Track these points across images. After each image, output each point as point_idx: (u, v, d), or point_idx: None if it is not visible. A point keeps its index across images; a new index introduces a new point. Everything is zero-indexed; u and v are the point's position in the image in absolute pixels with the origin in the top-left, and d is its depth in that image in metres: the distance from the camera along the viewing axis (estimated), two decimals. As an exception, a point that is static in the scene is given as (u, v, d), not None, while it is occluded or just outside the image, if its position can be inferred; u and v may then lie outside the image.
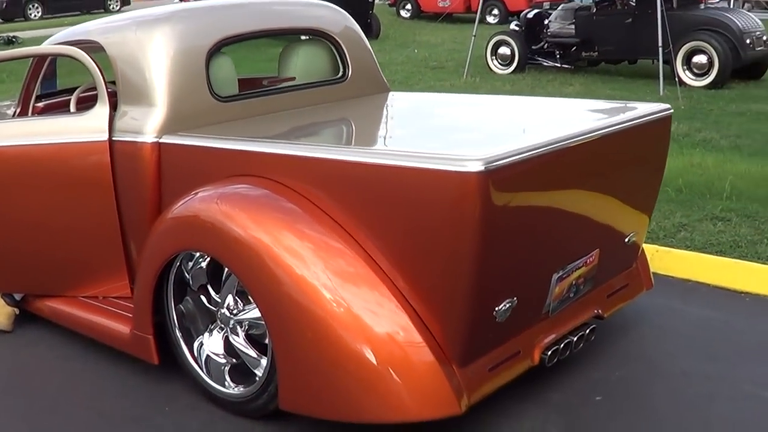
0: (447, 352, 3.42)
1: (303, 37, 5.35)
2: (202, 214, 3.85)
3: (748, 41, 12.82)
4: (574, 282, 3.91)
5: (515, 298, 3.50)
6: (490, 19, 23.59)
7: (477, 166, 3.09)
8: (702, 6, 14.53)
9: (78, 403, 4.20)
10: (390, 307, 3.43)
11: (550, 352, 3.82)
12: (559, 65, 15.21)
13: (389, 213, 3.42)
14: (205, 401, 4.06)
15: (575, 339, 3.96)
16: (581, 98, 6.01)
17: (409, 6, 27.02)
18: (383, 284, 3.45)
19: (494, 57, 15.56)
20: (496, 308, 3.43)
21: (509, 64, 15.38)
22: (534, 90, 13.19)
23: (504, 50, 15.42)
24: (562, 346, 3.88)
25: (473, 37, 15.00)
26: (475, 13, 16.87)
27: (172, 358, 4.18)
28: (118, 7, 32.52)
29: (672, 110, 4.24)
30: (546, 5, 17.23)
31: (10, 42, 21.84)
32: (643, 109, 4.11)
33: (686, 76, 12.97)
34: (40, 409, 4.16)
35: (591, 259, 3.97)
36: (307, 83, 4.98)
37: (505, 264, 3.41)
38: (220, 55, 4.54)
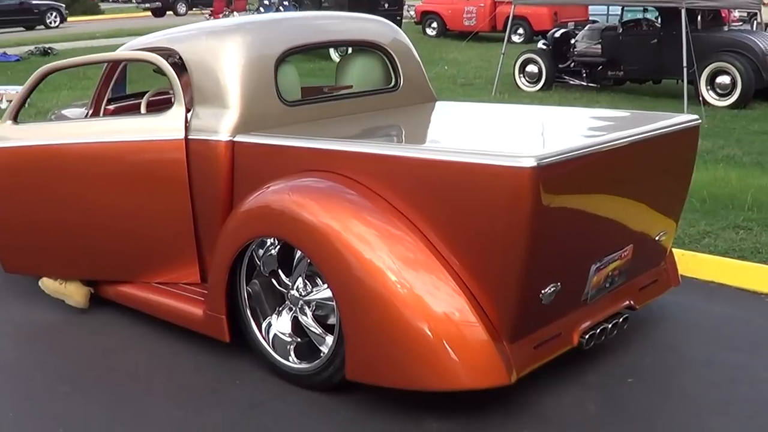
0: (498, 329, 3.83)
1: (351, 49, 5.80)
2: (275, 204, 4.28)
3: (770, 63, 13.19)
4: (610, 273, 4.31)
5: (559, 284, 3.90)
6: (516, 38, 23.96)
7: (530, 162, 3.51)
8: (726, 28, 14.90)
9: (157, 375, 4.62)
10: (446, 289, 3.85)
11: (587, 336, 4.21)
12: (585, 84, 15.57)
13: (449, 204, 3.85)
14: (272, 375, 4.47)
15: (610, 326, 4.35)
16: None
17: (435, 24, 27.45)
18: (442, 268, 3.87)
19: (522, 75, 15.94)
20: (543, 291, 3.84)
21: (536, 82, 15.75)
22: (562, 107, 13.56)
23: (532, 68, 15.80)
24: (598, 331, 4.27)
25: (502, 55, 15.37)
26: (500, 32, 17.25)
27: (238, 337, 4.59)
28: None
29: (700, 120, 4.67)
30: (571, 25, 17.62)
31: (46, 53, 22.27)
32: (676, 118, 4.54)
33: (710, 96, 13.33)
34: (122, 379, 4.57)
35: (625, 254, 4.37)
36: (363, 91, 5.42)
37: (551, 252, 3.82)
38: (286, 64, 4.98)
